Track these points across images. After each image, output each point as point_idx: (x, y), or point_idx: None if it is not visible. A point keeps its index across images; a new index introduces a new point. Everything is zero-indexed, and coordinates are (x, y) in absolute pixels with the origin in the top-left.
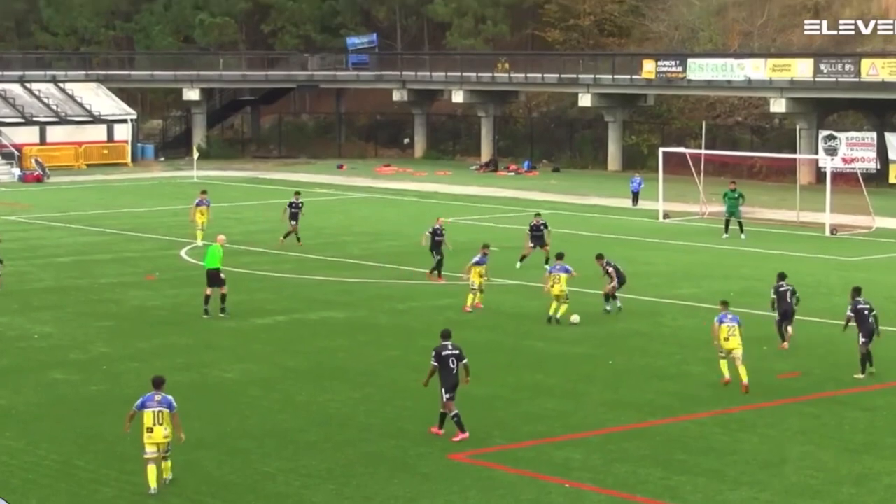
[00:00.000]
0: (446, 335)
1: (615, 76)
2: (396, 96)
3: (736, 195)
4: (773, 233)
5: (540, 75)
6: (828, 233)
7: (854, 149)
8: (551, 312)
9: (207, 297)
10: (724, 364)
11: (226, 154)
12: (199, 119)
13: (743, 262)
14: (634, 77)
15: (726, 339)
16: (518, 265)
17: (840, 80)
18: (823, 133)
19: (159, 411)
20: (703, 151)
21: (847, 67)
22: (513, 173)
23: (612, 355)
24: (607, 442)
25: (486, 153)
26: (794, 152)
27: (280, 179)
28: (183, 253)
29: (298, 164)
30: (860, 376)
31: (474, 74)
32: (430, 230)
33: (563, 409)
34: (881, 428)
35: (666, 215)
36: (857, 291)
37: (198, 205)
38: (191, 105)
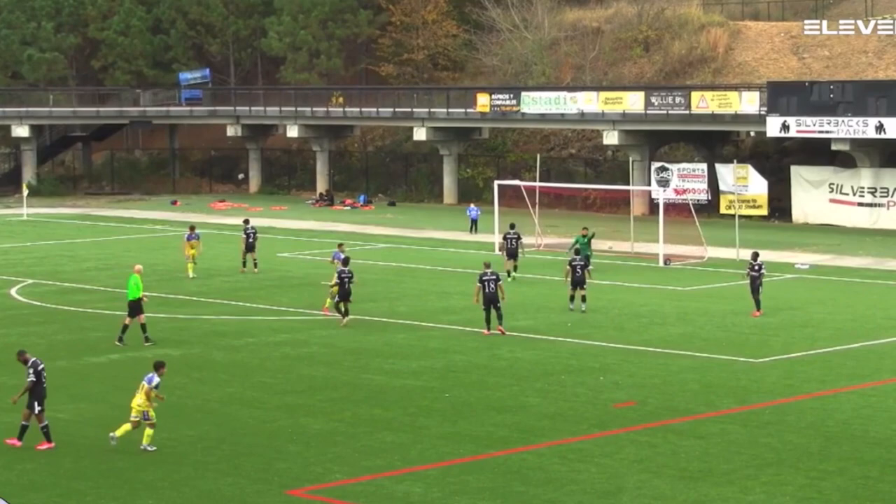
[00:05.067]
0: (20, 354)
1: (450, 110)
2: (230, 131)
3: (586, 240)
4: (608, 264)
5: (374, 109)
6: (661, 263)
7: (685, 180)
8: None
9: (126, 327)
10: None
11: (57, 191)
12: (29, 156)
13: None
14: (469, 111)
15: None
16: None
17: (671, 112)
18: (655, 165)
19: None
20: (537, 184)
21: (677, 100)
22: (349, 207)
23: (449, 388)
24: (446, 475)
25: (321, 188)
26: (628, 184)
27: (113, 216)
28: (13, 292)
29: (132, 200)
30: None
31: (309, 109)
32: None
33: (402, 442)
34: (715, 455)
35: (502, 248)
36: None
37: (188, 239)
38: (20, 142)
